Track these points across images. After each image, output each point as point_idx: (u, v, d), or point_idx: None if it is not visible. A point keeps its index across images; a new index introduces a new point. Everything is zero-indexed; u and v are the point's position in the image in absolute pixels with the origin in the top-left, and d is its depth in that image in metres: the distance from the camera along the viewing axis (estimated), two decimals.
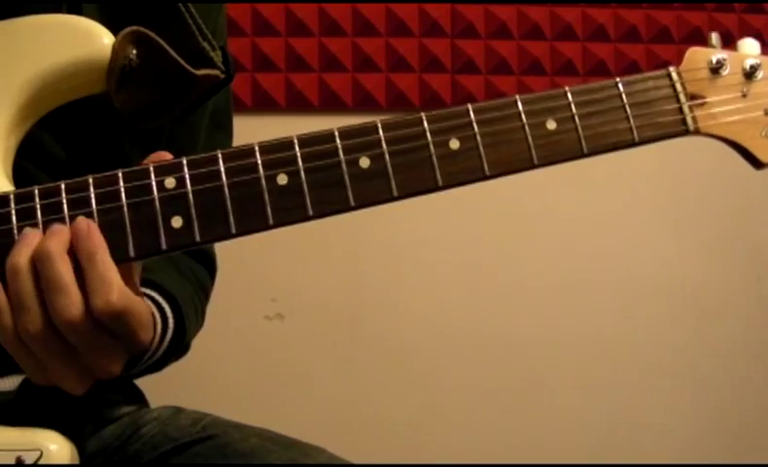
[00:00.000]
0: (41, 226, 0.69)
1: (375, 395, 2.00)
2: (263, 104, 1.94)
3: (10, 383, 0.85)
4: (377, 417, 1.99)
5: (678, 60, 2.19)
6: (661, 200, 2.12)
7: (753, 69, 0.78)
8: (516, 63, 2.05)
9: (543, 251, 2.06)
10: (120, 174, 0.71)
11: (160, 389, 1.01)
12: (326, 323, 1.93)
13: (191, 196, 0.71)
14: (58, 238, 0.67)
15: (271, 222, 0.71)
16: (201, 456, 0.89)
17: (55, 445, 0.70)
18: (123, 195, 0.70)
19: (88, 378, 0.70)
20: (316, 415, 1.91)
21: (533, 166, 0.75)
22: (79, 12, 0.81)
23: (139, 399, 0.99)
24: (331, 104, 1.97)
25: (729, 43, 2.15)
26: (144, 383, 1.00)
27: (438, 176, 0.73)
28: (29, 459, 0.69)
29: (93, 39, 0.76)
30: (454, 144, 0.74)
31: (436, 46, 2.01)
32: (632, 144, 0.76)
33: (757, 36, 2.10)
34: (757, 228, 2.13)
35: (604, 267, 2.09)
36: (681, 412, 2.11)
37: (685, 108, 0.78)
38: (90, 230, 0.68)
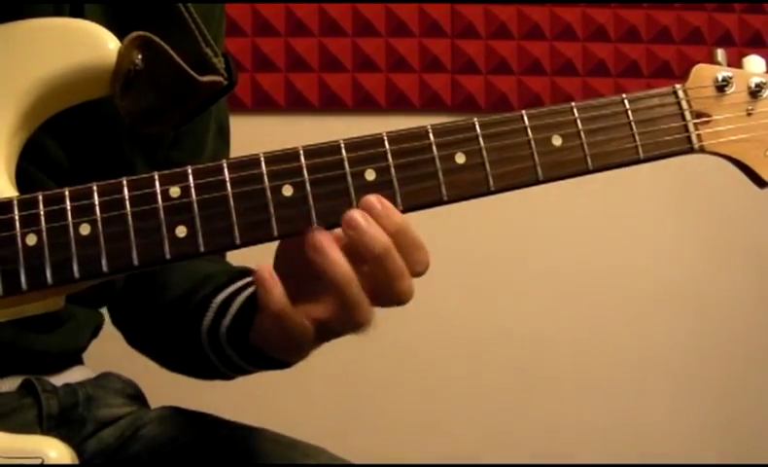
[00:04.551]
0: (45, 233, 0.69)
1: (375, 395, 2.00)
2: (263, 104, 1.94)
3: (10, 384, 0.85)
4: (377, 417, 1.99)
5: (677, 61, 2.19)
6: (662, 200, 2.13)
7: (759, 88, 0.78)
8: (516, 63, 2.05)
9: (544, 251, 2.07)
10: (124, 182, 0.70)
11: (160, 389, 1.01)
12: None
13: (195, 205, 0.70)
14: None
15: (276, 233, 0.71)
16: (201, 457, 0.89)
17: (55, 451, 0.69)
18: (128, 203, 0.70)
19: None
20: (316, 415, 1.91)
21: (537, 182, 0.75)
22: (81, 13, 0.81)
23: (139, 399, 0.99)
24: (331, 104, 1.97)
25: (729, 43, 2.13)
26: (144, 383, 1.00)
27: (444, 190, 0.73)
28: None
29: (99, 43, 0.75)
30: (460, 158, 0.73)
31: (436, 46, 2.01)
32: (637, 161, 0.76)
33: (757, 36, 2.09)
34: (758, 228, 2.13)
35: (604, 266, 2.09)
36: (682, 411, 2.12)
37: (691, 126, 0.78)
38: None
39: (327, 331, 0.73)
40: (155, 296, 0.96)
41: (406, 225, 0.71)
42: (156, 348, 1.01)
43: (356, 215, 0.70)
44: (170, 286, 0.95)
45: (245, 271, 0.92)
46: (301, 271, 0.72)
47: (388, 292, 0.71)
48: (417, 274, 0.72)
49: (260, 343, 0.80)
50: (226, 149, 1.04)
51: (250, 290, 0.86)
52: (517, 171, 0.74)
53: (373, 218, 0.70)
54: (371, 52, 1.98)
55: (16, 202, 0.69)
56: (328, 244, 0.69)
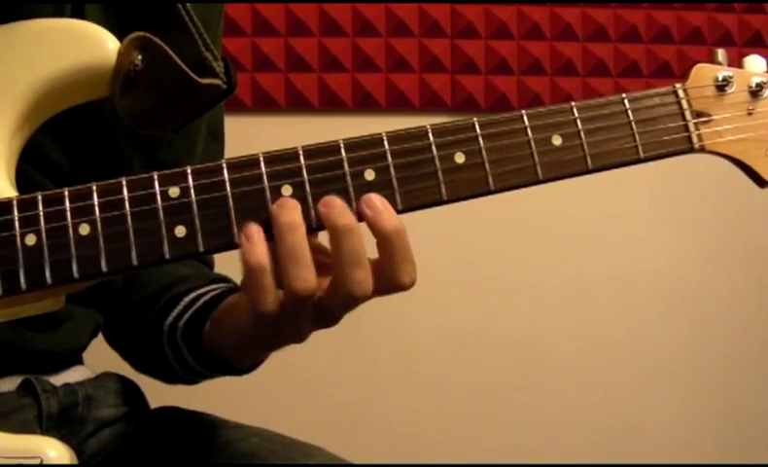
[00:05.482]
0: (44, 233, 0.69)
1: (375, 395, 2.00)
2: (263, 104, 1.94)
3: (10, 384, 0.85)
4: (377, 417, 1.99)
5: (677, 61, 2.18)
6: (662, 201, 2.12)
7: (759, 87, 0.78)
8: (516, 63, 2.05)
9: (545, 252, 2.07)
10: (123, 182, 0.70)
11: (160, 389, 1.01)
12: None
13: (194, 205, 0.70)
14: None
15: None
16: (201, 457, 0.89)
17: (55, 451, 0.70)
18: (127, 203, 0.70)
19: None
20: (316, 415, 1.91)
21: (537, 182, 0.75)
22: (82, 13, 0.81)
23: (139, 400, 0.99)
24: (331, 104, 1.97)
25: (729, 43, 2.13)
26: (144, 383, 1.00)
27: (443, 190, 0.73)
28: None
29: (98, 44, 0.75)
30: (459, 158, 0.73)
31: (436, 46, 2.01)
32: (637, 161, 0.76)
33: (757, 36, 2.09)
34: (758, 228, 2.13)
35: (604, 267, 2.09)
36: (682, 411, 2.12)
37: (691, 126, 0.78)
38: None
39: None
40: (130, 293, 0.97)
41: (403, 230, 0.71)
42: (125, 345, 1.02)
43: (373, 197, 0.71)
44: (147, 284, 0.96)
45: (226, 279, 0.92)
46: None
47: (390, 277, 0.72)
48: (403, 286, 0.72)
49: (217, 334, 0.82)
50: (220, 151, 1.04)
51: (222, 290, 0.86)
52: (517, 171, 0.74)
53: (374, 215, 0.70)
54: (371, 52, 1.98)
55: (15, 203, 0.70)
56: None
